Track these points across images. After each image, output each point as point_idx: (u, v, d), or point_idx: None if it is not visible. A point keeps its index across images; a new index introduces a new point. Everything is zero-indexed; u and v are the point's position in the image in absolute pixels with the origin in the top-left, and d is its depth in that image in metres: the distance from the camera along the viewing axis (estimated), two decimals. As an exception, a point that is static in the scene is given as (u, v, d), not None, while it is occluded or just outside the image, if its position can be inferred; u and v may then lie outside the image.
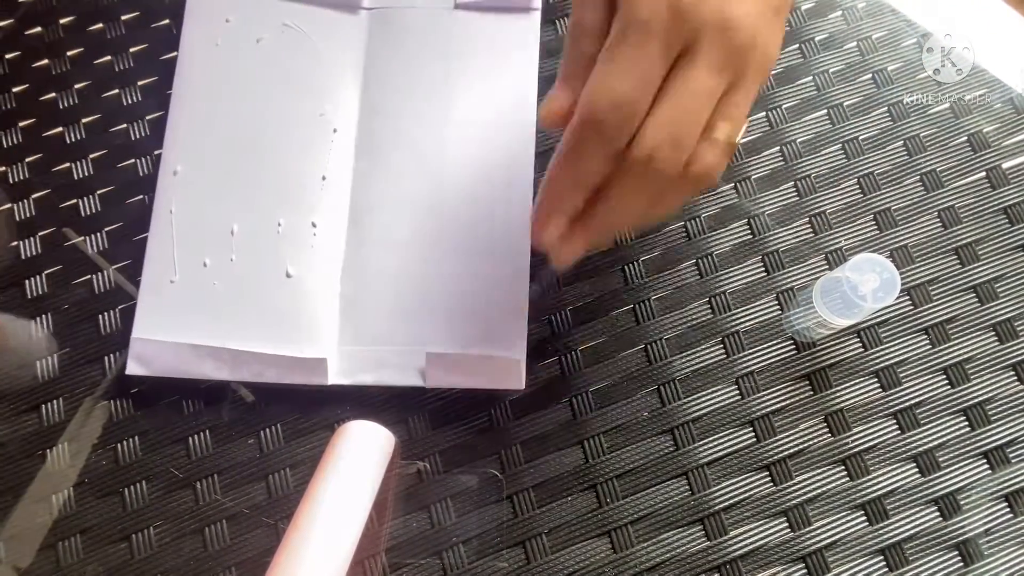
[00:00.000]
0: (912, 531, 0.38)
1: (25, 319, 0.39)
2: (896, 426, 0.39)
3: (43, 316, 0.40)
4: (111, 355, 0.40)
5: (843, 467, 0.39)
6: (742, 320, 0.41)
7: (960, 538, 0.38)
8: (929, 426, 0.39)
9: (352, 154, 0.42)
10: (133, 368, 0.39)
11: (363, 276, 0.40)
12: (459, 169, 0.39)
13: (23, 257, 0.42)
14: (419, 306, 0.40)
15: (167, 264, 0.40)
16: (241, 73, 0.43)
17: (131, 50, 0.45)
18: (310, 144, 0.42)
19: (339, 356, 0.39)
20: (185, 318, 0.39)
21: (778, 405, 0.40)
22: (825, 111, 0.44)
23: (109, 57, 0.45)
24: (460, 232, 0.40)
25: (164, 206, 0.41)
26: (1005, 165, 0.43)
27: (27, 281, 0.41)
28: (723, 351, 0.40)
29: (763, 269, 0.42)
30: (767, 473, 0.39)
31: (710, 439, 0.39)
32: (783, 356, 0.40)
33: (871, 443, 0.39)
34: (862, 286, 0.36)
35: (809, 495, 0.38)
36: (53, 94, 0.44)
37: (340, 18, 0.44)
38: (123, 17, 0.45)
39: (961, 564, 0.38)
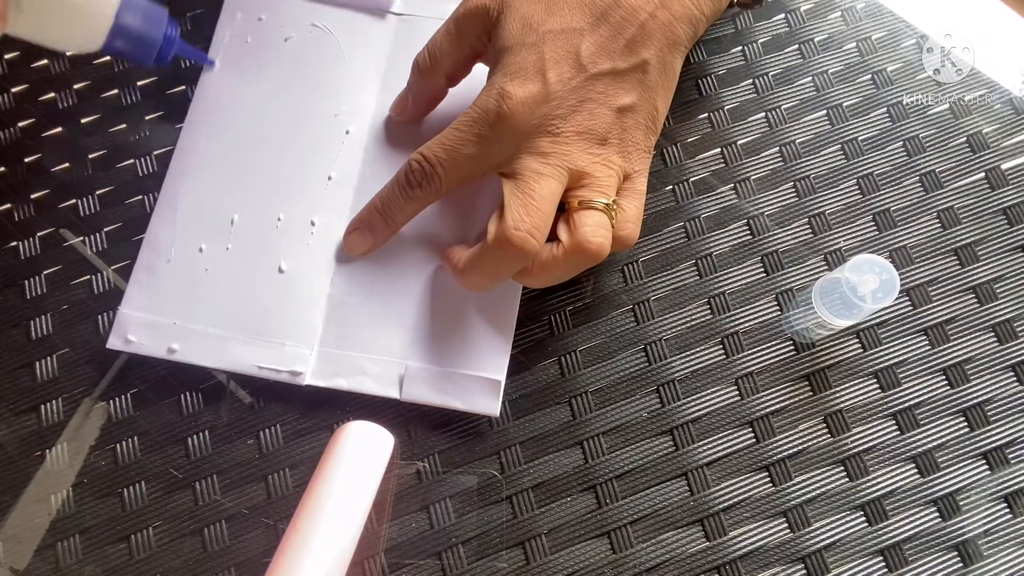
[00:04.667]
0: (911, 532, 0.38)
1: None
2: (895, 427, 0.39)
3: (42, 316, 0.40)
4: (110, 355, 0.40)
5: (842, 468, 0.39)
6: (741, 321, 0.41)
7: (959, 539, 0.38)
8: (928, 427, 0.39)
9: (361, 157, 0.42)
10: (114, 342, 0.39)
11: (353, 280, 0.40)
12: (466, 187, 0.39)
13: (22, 257, 0.42)
14: (404, 318, 0.40)
15: (165, 245, 0.41)
16: (266, 69, 0.44)
17: (130, 50, 0.45)
18: (321, 143, 0.42)
19: (318, 357, 0.39)
20: (173, 299, 0.40)
21: (777, 406, 0.40)
22: (824, 112, 0.44)
23: (108, 58, 0.45)
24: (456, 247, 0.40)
25: (172, 187, 0.42)
26: (1004, 166, 0.43)
27: (26, 281, 0.41)
28: (722, 352, 0.40)
29: (762, 270, 0.42)
30: (766, 474, 0.39)
31: (709, 440, 0.39)
32: (782, 357, 0.40)
33: (870, 444, 0.39)
34: (861, 287, 0.36)
35: (808, 496, 0.38)
36: (53, 94, 0.44)
37: (368, 22, 0.44)
38: (122, 17, 0.45)
39: (960, 565, 0.38)
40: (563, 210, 0.37)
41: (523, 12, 0.37)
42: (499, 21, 0.37)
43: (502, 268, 0.37)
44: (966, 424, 0.39)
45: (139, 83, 0.44)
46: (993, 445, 0.39)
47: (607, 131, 0.37)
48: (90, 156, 0.43)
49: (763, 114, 0.44)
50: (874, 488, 0.38)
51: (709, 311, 0.41)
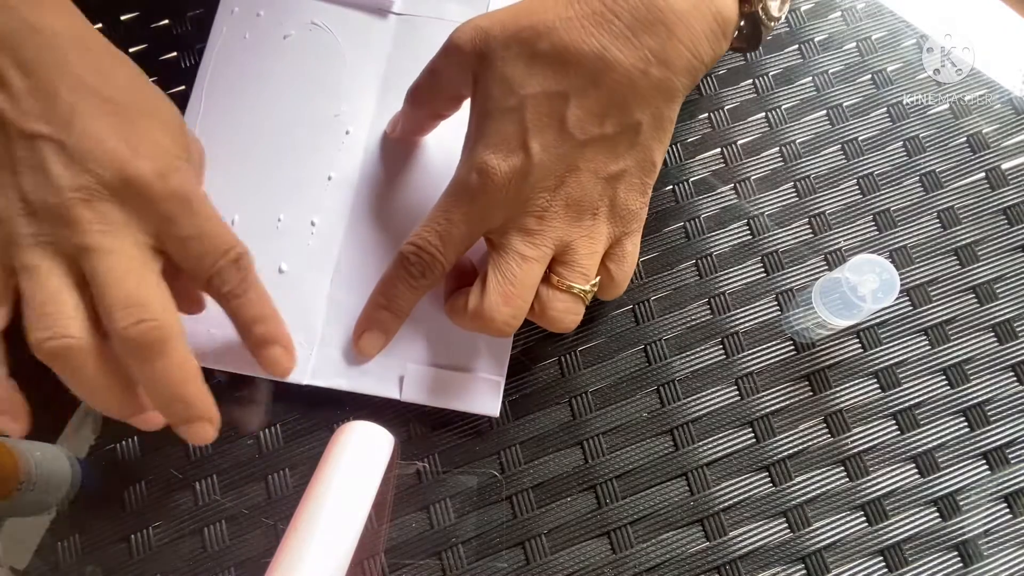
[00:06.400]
0: (911, 532, 0.38)
1: (47, 444, 0.37)
2: (895, 427, 0.39)
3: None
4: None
5: (842, 468, 0.39)
6: (742, 321, 0.41)
7: (959, 539, 0.38)
8: (928, 427, 0.39)
9: (361, 157, 0.42)
10: None
11: (354, 281, 0.40)
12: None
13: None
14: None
15: None
16: (264, 67, 0.43)
17: (131, 50, 0.45)
18: (321, 143, 0.42)
19: (318, 357, 0.39)
20: None
21: (778, 406, 0.40)
22: (824, 112, 0.44)
23: (108, 57, 0.45)
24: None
25: None
26: (1004, 166, 0.43)
27: (26, 281, 0.41)
28: (723, 352, 0.40)
29: (762, 270, 0.42)
30: (767, 474, 0.39)
31: (710, 439, 0.39)
32: (782, 357, 0.40)
33: (870, 444, 0.39)
34: (861, 287, 0.36)
35: (809, 496, 0.38)
36: (52, 94, 0.44)
37: (368, 21, 0.44)
38: (123, 17, 0.45)
39: (960, 565, 0.38)
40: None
41: (502, 71, 0.34)
42: (478, 76, 0.35)
43: (480, 333, 0.37)
44: (966, 424, 0.39)
45: (139, 83, 0.44)
46: (993, 445, 0.39)
47: (596, 202, 0.35)
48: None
49: (763, 114, 0.44)
50: (874, 488, 0.38)
51: (709, 311, 0.41)
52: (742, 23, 0.35)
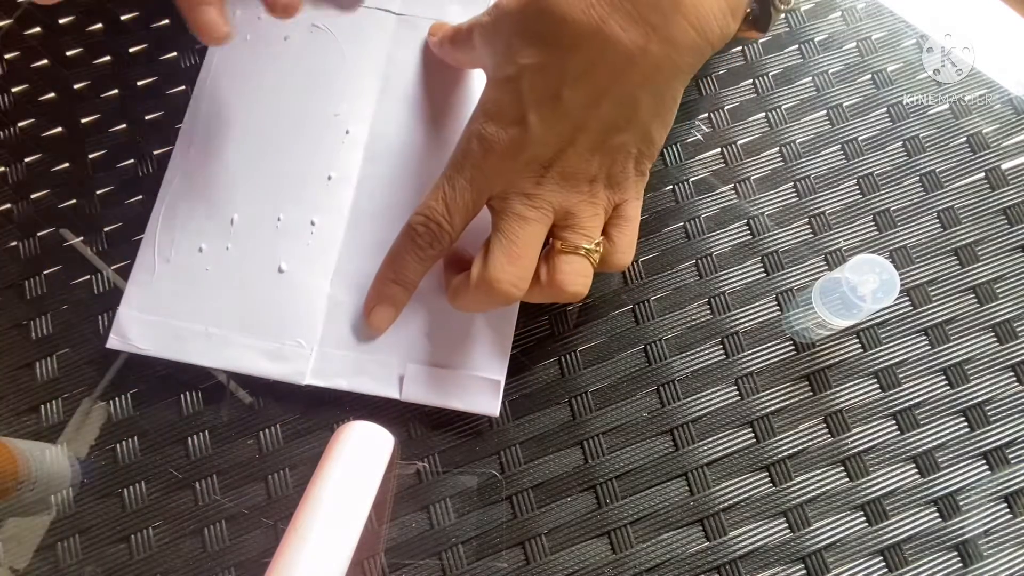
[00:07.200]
0: (911, 532, 0.38)
1: (47, 445, 0.38)
2: (895, 427, 0.39)
3: (42, 316, 0.40)
4: (110, 356, 0.40)
5: (842, 468, 0.39)
6: (742, 321, 0.41)
7: (959, 539, 0.38)
8: (929, 427, 0.39)
9: (361, 157, 0.42)
10: (114, 342, 0.39)
11: (354, 280, 0.40)
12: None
13: (22, 257, 0.42)
14: (404, 318, 0.40)
15: (164, 245, 0.41)
16: (265, 68, 0.44)
17: (130, 51, 0.45)
18: (321, 143, 0.42)
19: (318, 357, 0.39)
20: (173, 299, 0.40)
21: (778, 406, 0.40)
22: (824, 112, 0.44)
23: (108, 58, 0.45)
24: (455, 248, 0.40)
25: (172, 187, 0.42)
26: (1004, 166, 0.43)
27: (26, 282, 0.41)
28: (723, 352, 0.40)
29: (762, 270, 0.42)
30: (767, 474, 0.39)
31: (710, 440, 0.39)
32: (782, 357, 0.40)
33: (870, 444, 0.39)
34: (861, 287, 0.36)
35: (809, 496, 0.38)
36: (53, 94, 0.44)
37: (368, 21, 0.44)
38: (123, 17, 0.45)
39: (960, 565, 0.38)
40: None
41: (506, 38, 0.34)
42: (486, 30, 0.36)
43: (487, 305, 0.37)
44: (966, 424, 0.39)
45: (139, 83, 0.44)
46: (993, 445, 0.39)
47: (594, 171, 0.35)
48: (90, 156, 0.43)
49: (763, 114, 0.44)
50: (874, 488, 0.38)
51: (709, 311, 0.41)
52: (754, 6, 0.35)
